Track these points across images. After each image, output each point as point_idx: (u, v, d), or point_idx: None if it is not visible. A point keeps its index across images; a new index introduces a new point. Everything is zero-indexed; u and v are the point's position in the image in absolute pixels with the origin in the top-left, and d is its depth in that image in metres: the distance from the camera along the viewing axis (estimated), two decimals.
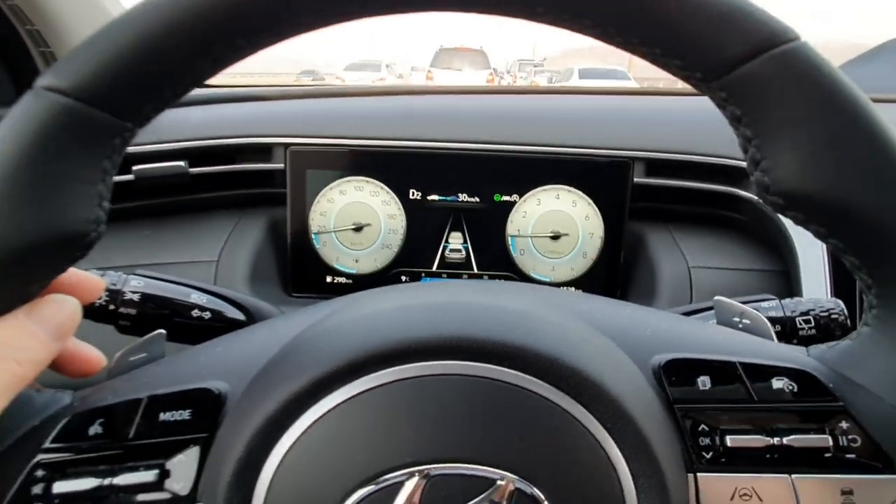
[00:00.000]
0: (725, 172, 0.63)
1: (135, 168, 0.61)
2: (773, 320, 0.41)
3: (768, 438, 0.24)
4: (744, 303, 0.43)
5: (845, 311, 0.40)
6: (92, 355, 0.29)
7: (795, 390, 0.25)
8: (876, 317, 0.26)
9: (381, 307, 0.27)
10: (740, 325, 0.33)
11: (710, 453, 0.24)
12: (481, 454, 0.22)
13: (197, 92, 0.80)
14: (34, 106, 0.22)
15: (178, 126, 0.64)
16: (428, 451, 0.22)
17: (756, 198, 0.61)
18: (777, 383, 0.26)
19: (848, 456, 0.24)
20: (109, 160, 0.23)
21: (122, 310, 0.38)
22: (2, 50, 0.63)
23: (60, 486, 0.23)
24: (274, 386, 0.24)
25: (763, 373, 0.26)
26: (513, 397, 0.23)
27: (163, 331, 0.32)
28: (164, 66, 0.22)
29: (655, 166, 0.64)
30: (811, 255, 0.56)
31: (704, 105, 0.72)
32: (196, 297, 0.40)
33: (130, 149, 0.25)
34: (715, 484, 0.24)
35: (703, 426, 0.25)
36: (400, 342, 0.24)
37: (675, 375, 0.26)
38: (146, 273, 0.41)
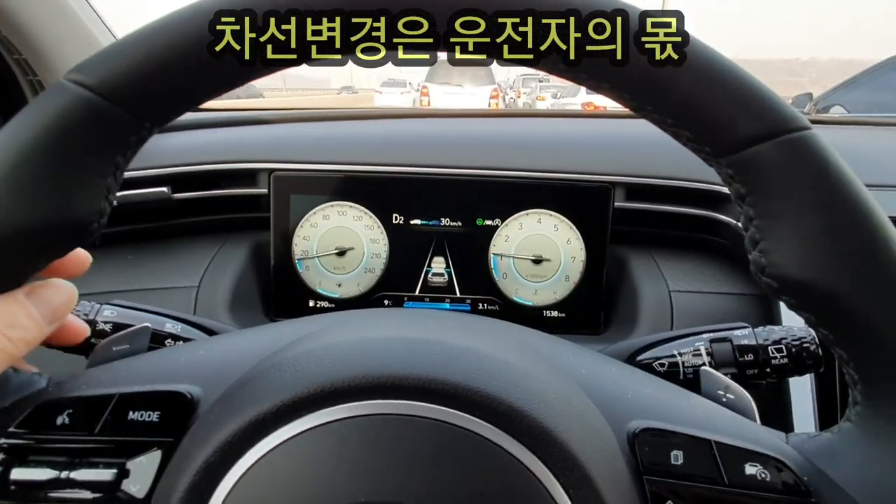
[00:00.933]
0: (706, 197, 0.63)
1: (118, 194, 0.62)
2: (745, 349, 0.41)
3: None
4: (717, 331, 0.43)
5: (817, 340, 0.40)
6: (77, 325, 0.30)
7: (767, 479, 0.25)
8: (859, 414, 0.25)
9: (365, 335, 0.27)
10: (724, 399, 0.33)
11: None
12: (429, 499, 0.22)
13: (181, 116, 0.81)
14: (58, 97, 0.23)
15: (162, 151, 0.65)
16: (384, 493, 0.22)
17: (735, 222, 0.62)
18: (750, 469, 0.25)
19: None
20: (123, 156, 0.25)
21: (93, 340, 0.38)
22: None
23: (17, 473, 0.23)
24: (243, 405, 0.24)
25: (737, 455, 0.26)
26: (479, 449, 0.23)
27: (148, 324, 0.32)
28: (185, 74, 0.23)
29: (636, 191, 0.64)
30: None
31: None
32: (170, 327, 0.40)
33: None
34: None
35: (669, 502, 0.24)
36: (375, 377, 0.24)
37: (648, 446, 0.26)
38: (120, 302, 0.41)
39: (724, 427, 0.27)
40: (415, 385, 0.23)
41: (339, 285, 0.66)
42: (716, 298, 0.61)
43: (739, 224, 0.61)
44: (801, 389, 0.52)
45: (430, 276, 0.66)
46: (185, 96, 0.25)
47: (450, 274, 0.66)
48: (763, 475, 0.25)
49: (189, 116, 0.75)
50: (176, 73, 0.23)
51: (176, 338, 0.40)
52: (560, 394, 0.26)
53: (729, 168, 0.24)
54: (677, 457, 0.25)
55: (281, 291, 0.67)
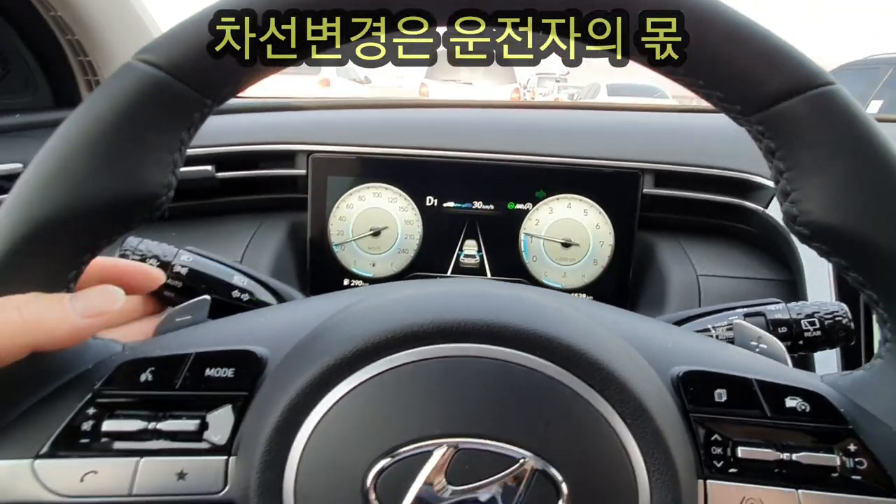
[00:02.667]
0: (733, 184, 0.65)
1: None
2: (778, 322, 0.42)
3: (778, 453, 0.25)
4: (750, 306, 0.45)
5: (849, 315, 0.41)
6: (152, 272, 0.32)
7: (808, 410, 0.26)
8: (889, 350, 0.27)
9: (426, 290, 0.29)
10: (757, 350, 0.34)
11: (721, 462, 0.25)
12: (508, 434, 0.24)
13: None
14: (129, 76, 0.25)
15: (206, 132, 0.66)
16: (458, 426, 0.24)
17: (762, 209, 0.63)
18: (790, 402, 0.27)
19: (854, 477, 0.25)
20: (187, 132, 0.26)
21: (169, 281, 0.40)
22: (43, 59, 0.67)
23: (109, 425, 0.25)
24: (317, 353, 0.25)
25: (778, 391, 0.27)
26: (541, 385, 0.25)
27: (207, 297, 0.34)
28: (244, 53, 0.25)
29: (664, 177, 0.66)
30: (816, 265, 0.57)
31: (715, 121, 0.75)
32: (238, 280, 0.42)
33: None
34: (724, 491, 0.25)
35: (716, 436, 0.26)
36: (444, 322, 0.25)
37: (692, 386, 0.27)
38: (196, 250, 0.43)
39: (763, 369, 0.29)
40: (480, 329, 0.25)
41: (374, 265, 0.68)
42: (743, 283, 0.63)
43: (766, 211, 0.62)
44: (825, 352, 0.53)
45: (461, 257, 0.68)
46: (244, 75, 0.27)
47: (481, 256, 0.68)
48: (803, 407, 0.27)
49: (231, 102, 0.77)
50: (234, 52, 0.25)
51: (242, 290, 0.42)
52: (611, 336, 0.27)
53: (759, 125, 0.26)
54: (721, 395, 0.27)
55: (316, 270, 0.69)
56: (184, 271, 0.41)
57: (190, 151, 0.71)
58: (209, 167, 0.65)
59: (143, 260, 0.41)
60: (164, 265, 0.41)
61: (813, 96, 0.24)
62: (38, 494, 0.24)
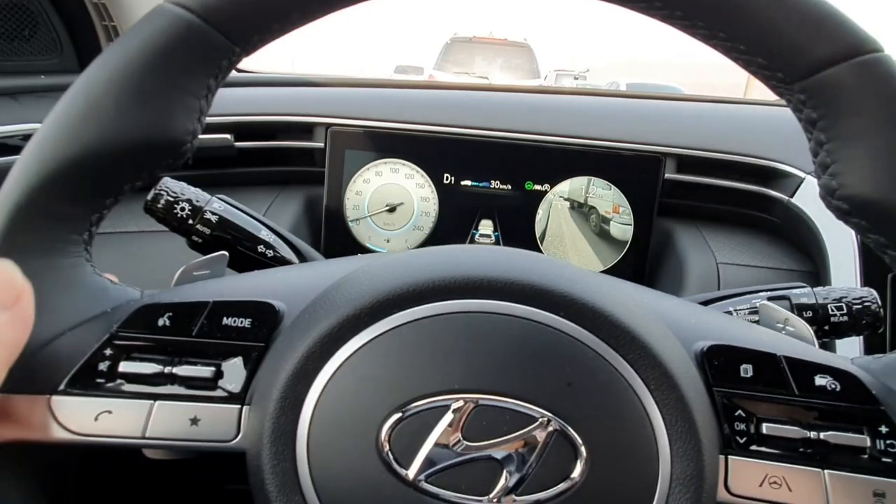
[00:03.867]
0: (758, 172, 0.63)
1: None
2: (804, 307, 0.41)
3: (805, 431, 0.24)
4: (775, 289, 0.44)
5: (878, 301, 0.40)
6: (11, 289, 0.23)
7: (837, 389, 0.25)
8: None
9: (449, 249, 0.28)
10: (784, 331, 0.33)
11: (744, 438, 0.25)
12: (528, 393, 0.24)
13: (242, 76, 0.83)
14: (160, 18, 0.25)
15: (227, 102, 0.67)
16: (478, 382, 0.24)
17: (787, 198, 0.62)
18: (820, 380, 0.26)
19: (884, 459, 0.24)
20: (215, 79, 0.26)
21: (198, 226, 0.41)
22: (69, 21, 0.67)
23: (125, 366, 0.25)
24: (336, 304, 0.25)
25: (806, 368, 0.26)
26: (565, 346, 0.24)
27: (225, 253, 0.34)
28: (276, 1, 0.25)
29: (686, 163, 0.65)
30: (842, 257, 0.56)
31: (740, 110, 0.73)
32: (264, 234, 0.42)
33: None
34: (746, 468, 0.24)
35: (740, 411, 0.25)
36: (468, 277, 0.25)
37: (717, 360, 0.26)
38: (228, 199, 0.43)
39: (790, 347, 0.28)
40: (504, 286, 0.25)
41: (388, 241, 0.68)
42: (764, 272, 0.61)
43: (791, 200, 0.61)
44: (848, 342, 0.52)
45: (477, 237, 0.67)
46: (274, 23, 0.26)
47: (497, 237, 0.67)
48: (833, 386, 0.26)
49: (250, 76, 0.77)
50: (266, 1, 0.25)
51: (267, 245, 0.42)
52: (636, 304, 0.27)
53: (801, 93, 0.25)
54: (746, 370, 0.26)
55: (331, 244, 0.68)
56: (214, 219, 0.41)
57: (209, 119, 0.71)
58: (228, 136, 0.65)
59: (175, 201, 0.41)
60: (195, 210, 0.41)
61: (860, 63, 0.23)
62: (54, 431, 0.24)
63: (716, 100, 0.79)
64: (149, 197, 0.41)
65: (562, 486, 0.23)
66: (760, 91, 0.34)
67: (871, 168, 0.24)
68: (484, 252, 0.28)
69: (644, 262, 0.66)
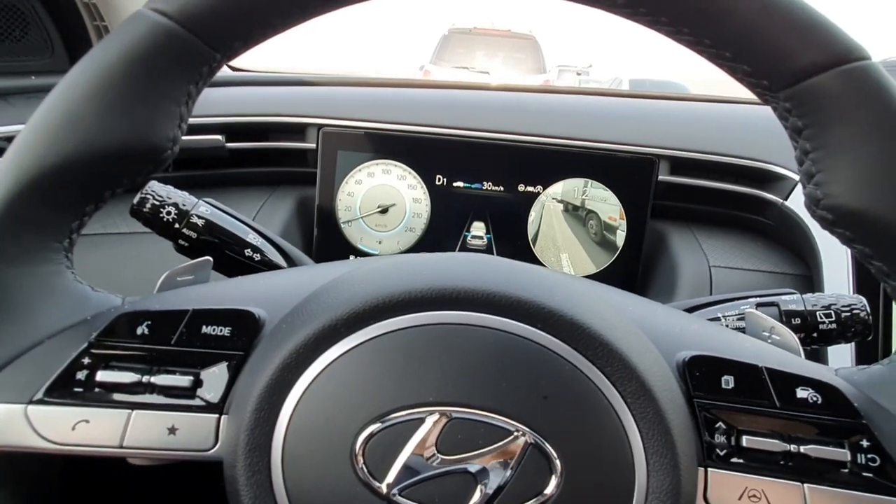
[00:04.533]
0: (752, 174, 0.63)
1: None
2: (792, 314, 0.41)
3: (785, 444, 0.24)
4: (764, 296, 0.43)
5: (867, 308, 0.40)
6: None
7: (819, 402, 0.25)
8: None
9: (428, 258, 0.28)
10: (769, 340, 0.33)
11: (724, 451, 0.24)
12: (503, 406, 0.23)
13: (234, 74, 0.83)
14: (139, 24, 0.24)
15: (217, 103, 0.67)
16: (453, 395, 0.23)
17: (781, 200, 0.61)
18: (801, 392, 0.26)
19: (865, 474, 0.24)
20: (195, 86, 0.26)
21: (184, 230, 0.40)
22: (60, 22, 0.67)
23: (103, 375, 0.25)
24: (313, 314, 0.25)
25: (788, 380, 0.26)
26: (541, 358, 0.24)
27: (210, 258, 0.34)
28: (256, 6, 0.25)
29: (680, 165, 0.64)
30: (835, 260, 0.56)
31: (735, 111, 0.73)
32: (252, 238, 0.42)
33: None
34: (725, 481, 0.24)
35: (720, 423, 0.25)
36: (444, 288, 0.24)
37: (698, 371, 0.26)
38: (215, 203, 0.43)
39: (773, 358, 0.28)
40: (479, 297, 0.24)
41: (380, 242, 0.68)
42: (757, 276, 0.61)
43: (786, 203, 0.61)
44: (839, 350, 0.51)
45: (469, 238, 0.67)
46: (255, 29, 0.26)
47: (490, 239, 0.67)
48: (815, 398, 0.25)
49: (240, 74, 0.77)
50: (246, 6, 0.25)
51: (255, 249, 0.42)
52: (617, 315, 0.27)
53: (787, 101, 0.24)
54: (728, 381, 0.26)
55: (323, 245, 0.68)
56: (200, 223, 0.41)
57: (200, 120, 0.71)
58: (219, 136, 0.65)
59: (161, 205, 0.41)
60: (182, 214, 0.41)
61: (847, 71, 0.23)
62: (30, 440, 0.24)
63: (711, 99, 0.78)
64: (135, 201, 0.41)
65: (536, 501, 0.23)
66: None
67: (855, 178, 0.23)
68: (464, 262, 0.27)
69: (637, 265, 0.65)
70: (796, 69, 0.23)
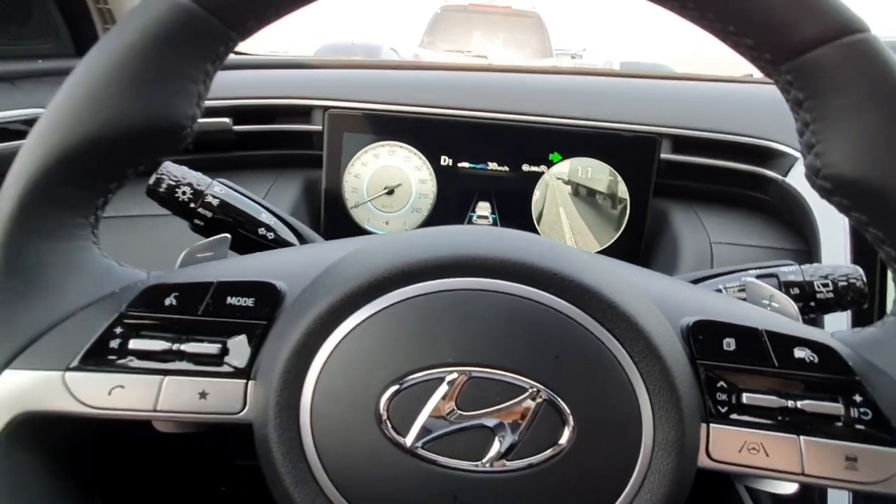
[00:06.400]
0: (753, 152, 0.64)
1: None
2: (791, 284, 0.42)
3: (783, 401, 0.26)
4: (764, 267, 0.45)
5: (864, 278, 0.41)
6: None
7: (816, 361, 0.27)
8: None
9: (442, 230, 0.29)
10: (769, 308, 0.34)
11: (725, 408, 0.26)
12: (518, 365, 0.25)
13: (240, 58, 0.83)
14: (157, 4, 0.25)
15: (224, 86, 0.67)
16: (471, 355, 0.25)
17: (781, 177, 0.62)
18: (799, 353, 0.27)
19: (857, 427, 0.25)
20: (212, 65, 0.27)
21: (199, 210, 0.42)
22: (64, 5, 0.67)
23: (135, 344, 0.26)
24: (335, 283, 0.26)
25: (786, 342, 0.27)
26: (552, 320, 0.25)
27: (227, 235, 0.35)
28: None
29: (682, 143, 0.65)
30: (833, 235, 0.57)
31: (735, 89, 0.73)
32: (265, 217, 0.43)
33: None
34: (725, 435, 0.26)
35: (721, 382, 0.26)
36: (460, 256, 0.26)
37: (701, 335, 0.27)
38: (229, 183, 0.44)
39: (772, 322, 0.29)
40: (493, 265, 0.26)
41: (387, 223, 0.69)
42: (757, 252, 0.62)
43: (785, 179, 0.62)
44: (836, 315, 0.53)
45: (474, 219, 0.68)
46: (269, 7, 0.27)
47: (495, 219, 0.68)
48: (812, 358, 0.27)
49: (246, 58, 0.77)
50: None
51: (268, 228, 0.43)
52: (624, 281, 0.28)
53: (788, 74, 0.25)
54: (729, 343, 0.27)
55: (330, 226, 0.69)
56: (215, 202, 0.42)
57: (207, 103, 0.71)
58: (226, 119, 0.65)
59: (176, 185, 0.42)
60: (197, 193, 0.42)
61: (847, 43, 0.24)
62: (70, 404, 0.26)
63: (712, 78, 0.79)
64: (150, 181, 0.42)
65: (550, 452, 0.24)
66: None
67: (852, 147, 0.24)
68: (477, 232, 0.29)
69: (639, 243, 0.67)
70: (798, 43, 0.24)
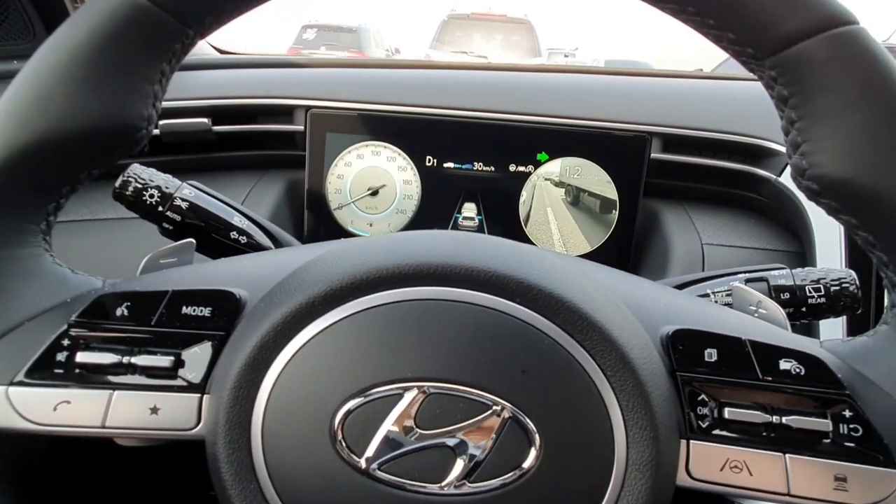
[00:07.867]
0: (745, 151, 0.62)
1: (161, 123, 0.63)
2: (781, 288, 0.41)
3: (767, 416, 0.24)
4: (754, 271, 0.43)
5: (857, 282, 0.40)
6: None
7: (802, 373, 0.25)
8: None
9: (406, 236, 0.28)
10: (756, 314, 0.33)
11: (706, 423, 0.24)
12: (482, 380, 0.23)
13: (220, 57, 0.82)
14: (109, 0, 0.24)
15: (203, 85, 0.66)
16: (431, 370, 0.23)
17: (775, 177, 0.61)
18: (785, 364, 0.25)
19: (847, 444, 0.24)
20: (168, 64, 0.26)
21: (168, 213, 0.40)
22: (40, 6, 0.65)
23: (83, 357, 0.25)
24: (291, 292, 0.25)
25: (771, 353, 0.26)
26: (519, 332, 0.24)
27: (192, 240, 0.34)
28: None
29: (673, 142, 0.63)
30: (828, 236, 0.55)
31: (726, 87, 0.72)
32: (237, 220, 0.42)
33: None
34: (706, 452, 0.24)
35: (702, 396, 0.25)
36: (421, 264, 0.24)
37: (681, 345, 0.26)
38: (199, 186, 0.43)
39: (758, 331, 0.27)
40: (456, 273, 0.24)
41: (371, 224, 0.68)
42: (749, 253, 0.61)
43: (779, 179, 0.60)
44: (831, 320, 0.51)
45: (460, 220, 0.67)
46: (227, 3, 0.25)
47: (481, 220, 0.67)
48: (798, 370, 0.25)
49: (228, 57, 0.76)
50: None
51: (241, 231, 0.41)
52: (598, 289, 0.26)
53: (772, 70, 0.24)
54: (711, 354, 0.26)
55: (314, 228, 0.68)
56: (184, 205, 0.40)
57: (186, 103, 0.70)
58: (205, 120, 0.64)
59: (144, 188, 0.40)
60: (165, 196, 0.40)
61: (833, 36, 0.22)
62: (12, 420, 0.24)
63: (703, 76, 0.77)
64: (117, 184, 0.41)
65: (515, 473, 0.23)
66: None
67: (840, 147, 0.23)
68: (443, 238, 0.27)
69: (629, 244, 0.65)
70: (781, 36, 0.23)
